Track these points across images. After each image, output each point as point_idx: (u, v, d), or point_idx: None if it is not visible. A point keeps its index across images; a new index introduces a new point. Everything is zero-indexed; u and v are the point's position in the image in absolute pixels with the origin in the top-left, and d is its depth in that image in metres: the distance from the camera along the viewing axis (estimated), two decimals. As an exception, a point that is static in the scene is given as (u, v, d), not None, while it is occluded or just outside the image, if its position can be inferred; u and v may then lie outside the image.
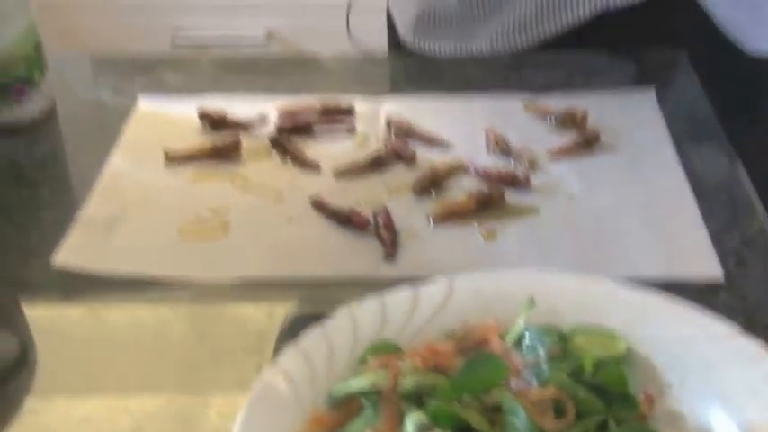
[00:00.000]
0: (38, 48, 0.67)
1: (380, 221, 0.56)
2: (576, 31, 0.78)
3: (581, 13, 0.76)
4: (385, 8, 0.89)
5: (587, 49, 0.77)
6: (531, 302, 0.43)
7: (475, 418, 0.37)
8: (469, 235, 0.57)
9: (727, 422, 0.41)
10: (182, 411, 0.46)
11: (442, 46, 0.81)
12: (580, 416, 0.40)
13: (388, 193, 0.60)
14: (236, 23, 1.78)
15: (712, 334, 0.45)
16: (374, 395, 0.40)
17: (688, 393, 0.43)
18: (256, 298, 0.52)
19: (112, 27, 1.76)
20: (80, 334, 0.51)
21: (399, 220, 0.57)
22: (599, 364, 0.41)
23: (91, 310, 0.52)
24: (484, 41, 0.80)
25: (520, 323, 0.42)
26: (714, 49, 0.79)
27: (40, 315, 0.52)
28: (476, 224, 0.57)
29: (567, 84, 0.72)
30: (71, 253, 0.55)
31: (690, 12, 0.77)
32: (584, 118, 0.67)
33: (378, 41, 0.90)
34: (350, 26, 0.90)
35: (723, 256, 0.55)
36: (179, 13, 1.78)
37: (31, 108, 0.68)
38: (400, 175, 0.62)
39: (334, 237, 0.56)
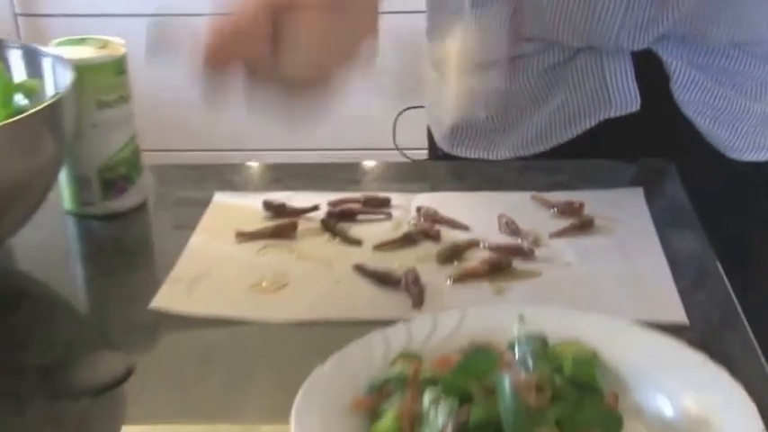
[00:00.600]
0: (137, 152, 0.83)
1: (410, 279, 0.70)
2: (580, 144, 0.93)
3: (586, 124, 0.91)
4: (426, 123, 1.06)
5: (587, 158, 0.91)
6: (522, 318, 0.56)
7: (474, 388, 0.49)
8: (482, 291, 0.70)
9: (670, 409, 0.53)
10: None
11: (471, 153, 0.97)
12: (558, 400, 0.52)
13: (416, 262, 0.74)
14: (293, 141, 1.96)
15: (665, 346, 0.57)
16: (402, 382, 0.53)
17: (644, 392, 0.55)
18: (309, 333, 0.66)
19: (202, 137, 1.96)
20: (170, 361, 0.64)
21: (425, 281, 0.70)
22: (575, 363, 0.54)
23: (179, 343, 0.66)
24: (507, 150, 0.95)
25: (513, 331, 0.55)
26: (699, 156, 0.93)
27: (139, 346, 0.66)
28: (487, 283, 0.71)
29: (569, 185, 0.86)
30: (163, 299, 0.69)
31: (678, 125, 0.91)
32: (581, 207, 0.81)
33: (419, 152, 1.05)
34: (396, 138, 1.07)
35: (689, 309, 0.67)
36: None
37: (129, 200, 0.83)
38: (427, 249, 0.76)
39: (372, 291, 0.70)
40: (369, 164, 0.92)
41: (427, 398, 0.50)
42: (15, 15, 2.03)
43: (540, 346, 0.54)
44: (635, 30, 0.87)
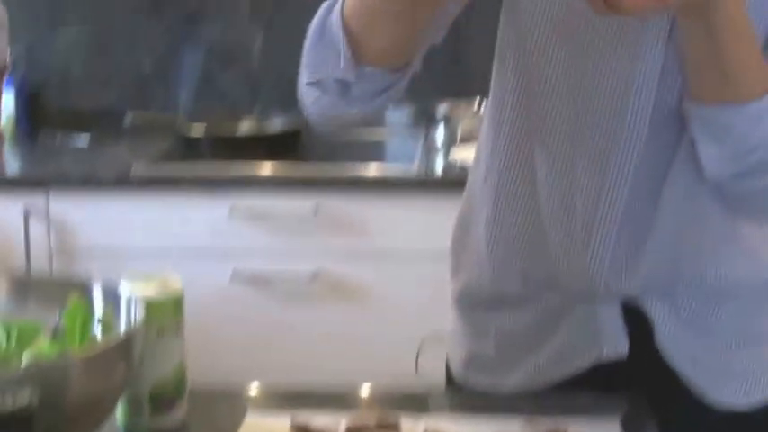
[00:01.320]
0: (184, 374, 0.97)
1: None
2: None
3: (579, 365, 1.05)
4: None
5: (574, 389, 1.05)
6: None
7: None
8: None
9: None
10: None
11: (481, 383, 1.10)
12: None
13: (425, 475, 0.86)
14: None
15: None
16: None
17: None
18: None
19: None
20: None
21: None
22: None
23: None
24: (512, 381, 1.09)
25: None
26: (681, 402, 1.04)
27: None
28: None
29: (555, 411, 0.99)
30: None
31: (662, 370, 1.03)
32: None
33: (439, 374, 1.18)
34: (418, 362, 1.23)
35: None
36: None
37: (174, 417, 0.96)
38: (434, 463, 0.88)
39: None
40: (384, 388, 1.06)
41: None
42: (50, 249, 2.20)
43: None
44: (622, 271, 1.02)
